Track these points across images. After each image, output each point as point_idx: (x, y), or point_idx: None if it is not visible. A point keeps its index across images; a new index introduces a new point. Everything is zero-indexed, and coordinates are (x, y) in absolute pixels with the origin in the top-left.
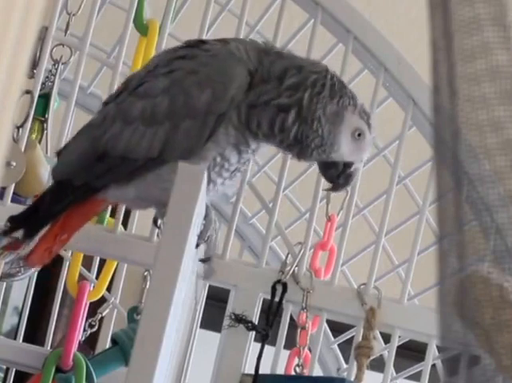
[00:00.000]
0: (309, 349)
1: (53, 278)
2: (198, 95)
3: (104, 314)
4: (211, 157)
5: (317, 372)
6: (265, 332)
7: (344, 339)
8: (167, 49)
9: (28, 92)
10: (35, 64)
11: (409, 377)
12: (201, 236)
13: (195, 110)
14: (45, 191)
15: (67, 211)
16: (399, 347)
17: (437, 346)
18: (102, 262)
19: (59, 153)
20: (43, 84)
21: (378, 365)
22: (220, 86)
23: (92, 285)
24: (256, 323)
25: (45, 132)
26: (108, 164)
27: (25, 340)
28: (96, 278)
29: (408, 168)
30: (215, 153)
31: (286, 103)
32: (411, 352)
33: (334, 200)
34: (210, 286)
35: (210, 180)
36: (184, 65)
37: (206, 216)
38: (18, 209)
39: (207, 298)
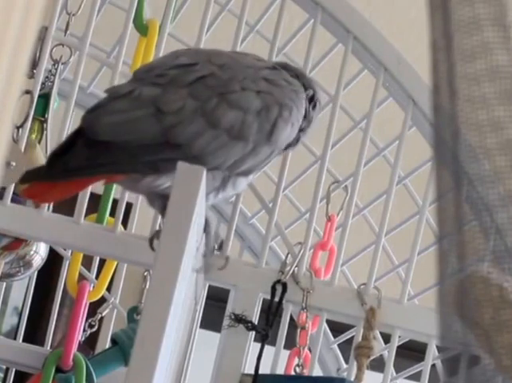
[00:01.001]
0: (309, 349)
1: (53, 278)
2: (282, 129)
3: (103, 314)
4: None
5: (317, 372)
6: (265, 332)
7: (344, 339)
8: (236, 53)
9: (28, 92)
10: (35, 64)
11: (409, 377)
12: (207, 250)
13: (276, 143)
14: (80, 144)
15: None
16: (399, 347)
17: (437, 346)
18: (102, 262)
19: (97, 108)
20: (43, 84)
21: (378, 365)
22: (296, 125)
23: (92, 285)
24: (256, 323)
25: (45, 132)
26: (173, 155)
27: (25, 340)
28: (96, 278)
29: (408, 168)
30: None
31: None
32: (411, 352)
33: (334, 200)
34: (209, 286)
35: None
36: (273, 92)
37: (207, 232)
38: (18, 209)
39: (207, 298)
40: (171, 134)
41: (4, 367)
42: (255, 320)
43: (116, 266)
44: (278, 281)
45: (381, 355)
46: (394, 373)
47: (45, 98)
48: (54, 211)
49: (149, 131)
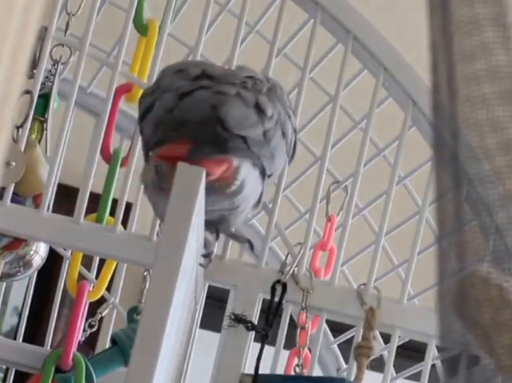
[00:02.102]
0: (309, 349)
1: (53, 278)
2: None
3: (103, 314)
4: None
5: (317, 372)
6: (265, 332)
7: (344, 339)
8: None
9: (28, 92)
10: (35, 64)
11: (409, 377)
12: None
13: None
14: None
15: None
16: (399, 347)
17: (437, 346)
18: (102, 262)
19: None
20: (43, 84)
21: (378, 365)
22: None
23: (92, 285)
24: (256, 323)
25: (45, 132)
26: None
27: (25, 340)
28: (96, 278)
29: (408, 168)
30: None
31: None
32: (411, 352)
33: (334, 200)
34: (209, 286)
35: None
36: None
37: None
38: (18, 209)
39: (207, 297)
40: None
41: (4, 367)
42: (255, 320)
43: (116, 266)
44: (278, 281)
45: (381, 355)
46: (394, 373)
47: (45, 98)
48: (54, 211)
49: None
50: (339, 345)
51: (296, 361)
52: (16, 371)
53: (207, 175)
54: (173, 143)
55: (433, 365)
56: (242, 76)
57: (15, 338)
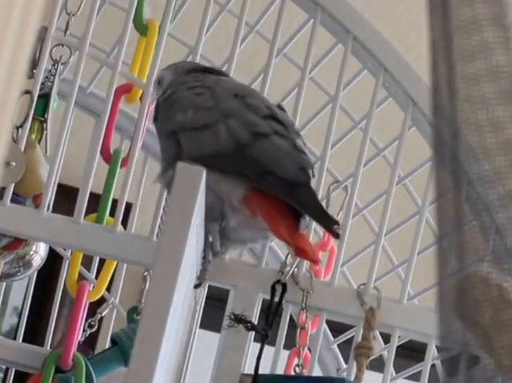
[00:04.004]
0: (309, 349)
1: (53, 278)
2: None
3: (103, 314)
4: None
5: (317, 372)
6: (265, 332)
7: (344, 339)
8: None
9: (27, 92)
10: (35, 64)
11: (409, 377)
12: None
13: None
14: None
15: None
16: (398, 347)
17: (437, 346)
18: (102, 262)
19: None
20: (43, 84)
21: (378, 365)
22: None
23: (92, 285)
24: (256, 323)
25: (45, 132)
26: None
27: (25, 340)
28: (96, 278)
29: (408, 168)
30: None
31: None
32: (411, 352)
33: (334, 200)
34: (209, 286)
35: None
36: None
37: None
38: (18, 209)
39: (207, 297)
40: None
41: (4, 367)
42: (255, 320)
43: (116, 266)
44: (278, 281)
45: (381, 355)
46: (394, 373)
47: (44, 98)
48: (54, 211)
49: None
50: (339, 345)
51: (296, 361)
52: (16, 371)
53: (304, 251)
54: (280, 212)
55: (433, 365)
56: (291, 121)
57: (15, 338)
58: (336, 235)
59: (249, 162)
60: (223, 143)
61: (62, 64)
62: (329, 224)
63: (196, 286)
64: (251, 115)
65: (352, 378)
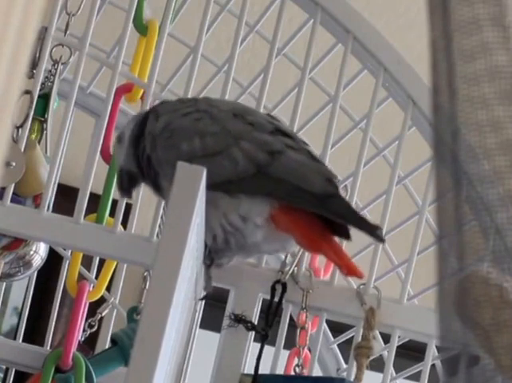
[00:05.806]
0: (309, 349)
1: (53, 278)
2: None
3: (103, 314)
4: None
5: (317, 372)
6: (265, 332)
7: (344, 339)
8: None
9: (27, 92)
10: (35, 64)
11: (409, 377)
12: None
13: None
14: None
15: None
16: (398, 347)
17: (437, 346)
18: (102, 262)
19: None
20: (42, 84)
21: (378, 365)
22: None
23: (92, 285)
24: (256, 323)
25: (45, 132)
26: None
27: (25, 340)
28: (96, 278)
29: (408, 168)
30: None
31: None
32: (411, 352)
33: None
34: None
35: None
36: None
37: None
38: (18, 209)
39: (207, 297)
40: None
41: (4, 367)
42: (255, 320)
43: (116, 266)
44: (278, 281)
45: (381, 355)
46: (394, 373)
47: (44, 98)
48: (54, 211)
49: None
50: (339, 345)
51: (296, 361)
52: (16, 371)
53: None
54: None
55: (433, 365)
56: (291, 130)
57: (15, 338)
58: (381, 240)
59: (275, 181)
60: (242, 166)
61: (62, 64)
62: (372, 230)
63: (203, 298)
64: (259, 133)
65: (352, 378)
